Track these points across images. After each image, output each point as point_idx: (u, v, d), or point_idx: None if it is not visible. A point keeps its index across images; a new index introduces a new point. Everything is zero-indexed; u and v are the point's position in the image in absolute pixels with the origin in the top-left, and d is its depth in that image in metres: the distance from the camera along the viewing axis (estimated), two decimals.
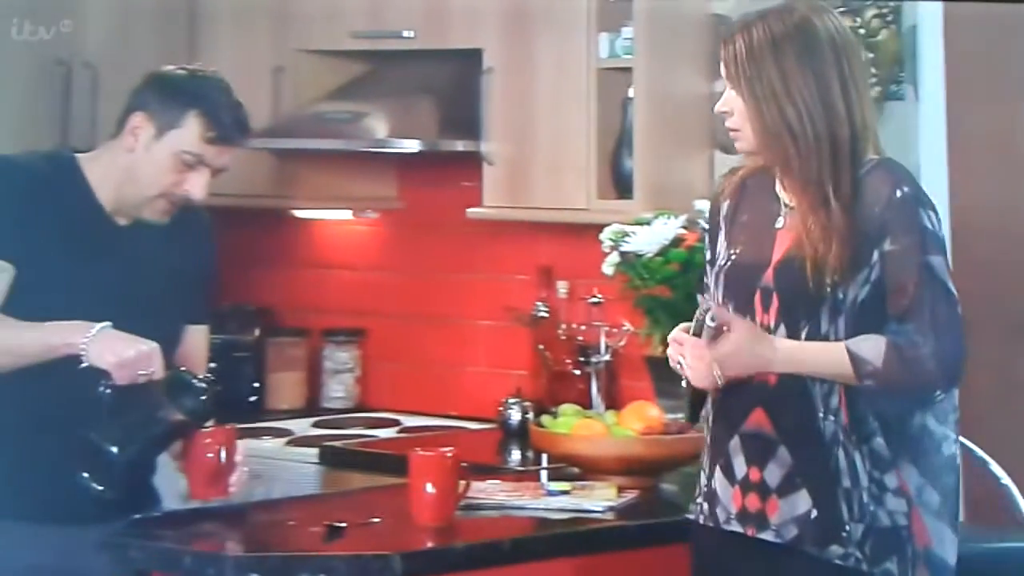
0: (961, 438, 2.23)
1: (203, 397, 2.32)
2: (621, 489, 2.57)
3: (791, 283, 2.16)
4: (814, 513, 2.14)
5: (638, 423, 2.72)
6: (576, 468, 2.72)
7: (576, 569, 2.40)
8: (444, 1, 3.40)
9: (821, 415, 2.15)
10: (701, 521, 2.23)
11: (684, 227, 2.98)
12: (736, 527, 2.19)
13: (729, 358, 2.14)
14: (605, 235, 2.98)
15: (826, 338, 2.14)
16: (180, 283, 2.46)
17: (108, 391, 2.24)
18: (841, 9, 3.09)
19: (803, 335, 2.15)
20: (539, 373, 3.42)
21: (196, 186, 2.38)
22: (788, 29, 2.17)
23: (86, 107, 3.51)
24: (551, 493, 2.53)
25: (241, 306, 3.83)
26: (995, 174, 3.27)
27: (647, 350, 3.02)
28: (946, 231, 3.16)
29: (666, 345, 2.23)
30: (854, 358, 2.11)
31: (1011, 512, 2.75)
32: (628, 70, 3.14)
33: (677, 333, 2.19)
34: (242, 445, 2.41)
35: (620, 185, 3.18)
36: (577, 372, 3.34)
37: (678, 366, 2.18)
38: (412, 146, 3.35)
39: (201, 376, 2.37)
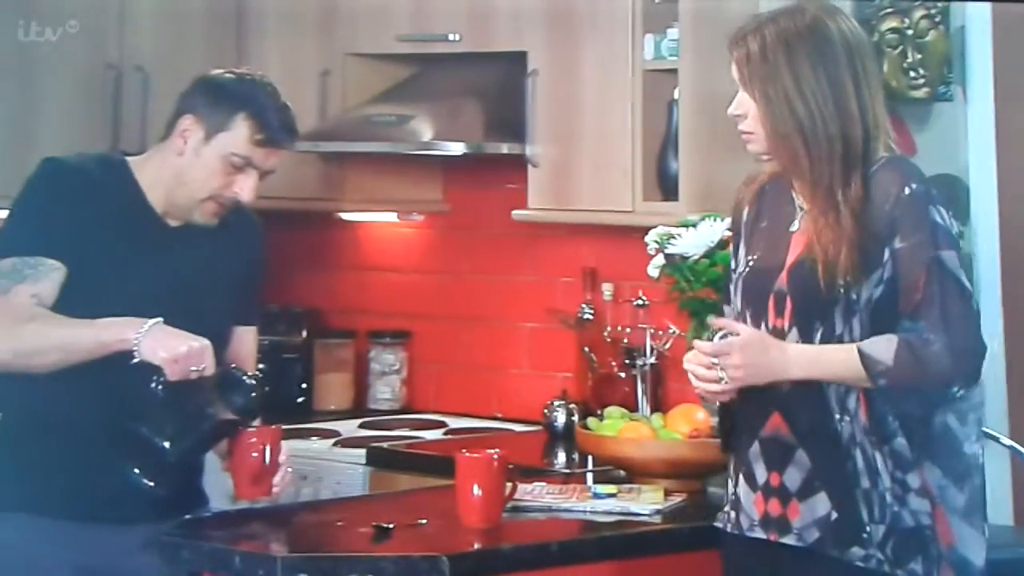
0: (1011, 441, 2.22)
1: (253, 395, 2.33)
2: (668, 492, 2.57)
3: (804, 286, 2.16)
4: (834, 515, 2.14)
5: (685, 426, 2.71)
6: (622, 471, 2.72)
7: (623, 572, 2.41)
8: (489, 4, 3.41)
9: (838, 417, 2.15)
10: (728, 529, 2.24)
11: (730, 229, 2.96)
12: (759, 533, 2.20)
13: (736, 363, 2.14)
14: (650, 237, 2.97)
15: (840, 339, 2.14)
16: (230, 284, 2.48)
17: (160, 387, 2.26)
18: (889, 10, 3.08)
19: (817, 337, 2.15)
20: (584, 375, 3.42)
21: (245, 188, 2.40)
22: (800, 30, 2.16)
23: (136, 111, 3.54)
24: (597, 496, 2.53)
25: (289, 308, 3.86)
26: None
27: None
28: (994, 231, 3.17)
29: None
30: (865, 358, 2.10)
31: None
32: (674, 71, 3.13)
33: (690, 353, 2.20)
34: (287, 445, 2.43)
35: (665, 187, 3.18)
36: (622, 375, 3.34)
37: (694, 379, 2.18)
38: (457, 149, 3.36)
39: (251, 374, 2.38)
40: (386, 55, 3.61)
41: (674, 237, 2.91)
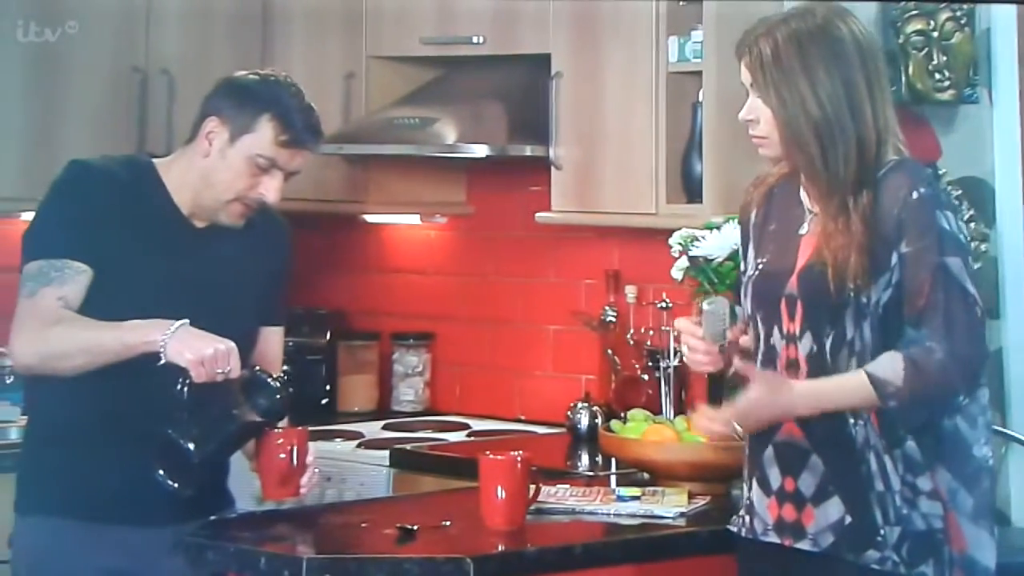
0: None
1: (278, 397, 2.34)
2: (692, 495, 2.56)
3: (814, 290, 2.15)
4: (848, 519, 2.14)
5: None
6: (646, 474, 2.72)
7: (647, 575, 2.40)
8: (513, 7, 3.41)
9: (852, 421, 2.15)
10: (743, 534, 2.25)
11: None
12: (773, 538, 2.19)
13: (750, 427, 2.16)
14: (674, 239, 2.97)
15: (851, 343, 2.13)
16: (256, 285, 2.49)
17: (185, 388, 2.27)
18: (914, 12, 3.07)
19: (829, 342, 2.14)
20: (607, 378, 3.42)
21: (270, 189, 2.41)
22: (812, 31, 2.15)
23: (162, 113, 3.56)
24: (621, 498, 2.53)
25: (313, 309, 3.87)
26: None
27: None
28: (1020, 233, 3.15)
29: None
30: (875, 381, 2.09)
31: None
32: (698, 74, 3.13)
33: (684, 324, 2.25)
34: (313, 446, 2.43)
35: (689, 189, 3.18)
36: (645, 377, 3.34)
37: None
38: (481, 151, 3.36)
39: (276, 376, 2.39)
40: (410, 58, 3.62)
41: (698, 239, 2.91)
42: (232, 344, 2.30)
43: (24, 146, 3.47)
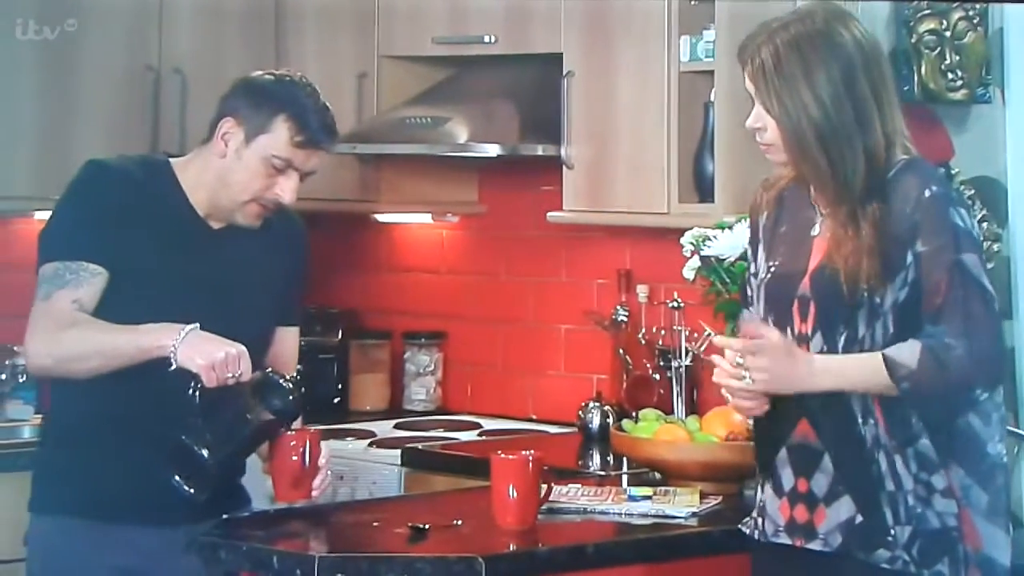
0: None
1: (291, 398, 2.34)
2: (703, 495, 2.56)
3: (827, 291, 2.15)
4: (859, 519, 2.14)
5: (722, 429, 2.71)
6: (658, 473, 2.72)
7: (659, 575, 2.40)
8: (525, 6, 3.41)
9: (860, 421, 2.15)
10: (756, 536, 2.25)
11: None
12: (784, 539, 2.19)
13: (762, 365, 2.11)
14: (686, 239, 2.97)
15: (863, 344, 2.14)
16: (273, 285, 2.49)
17: (197, 393, 2.27)
18: (927, 12, 3.06)
19: (841, 342, 2.14)
20: (619, 377, 3.42)
21: (286, 190, 2.41)
22: (813, 36, 2.14)
23: (175, 112, 3.57)
24: (633, 498, 2.53)
25: (325, 309, 3.88)
26: None
27: None
28: None
29: None
30: (890, 363, 2.10)
31: None
32: (710, 73, 3.12)
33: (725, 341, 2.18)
34: (327, 448, 2.44)
35: (701, 189, 3.17)
36: (657, 377, 3.34)
37: (717, 375, 2.17)
38: (493, 150, 3.37)
39: (289, 376, 2.39)
40: (422, 57, 3.62)
41: (710, 239, 2.91)
42: (242, 348, 2.30)
43: (35, 145, 3.48)
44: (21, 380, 3.57)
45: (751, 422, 2.30)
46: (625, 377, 3.40)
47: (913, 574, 2.13)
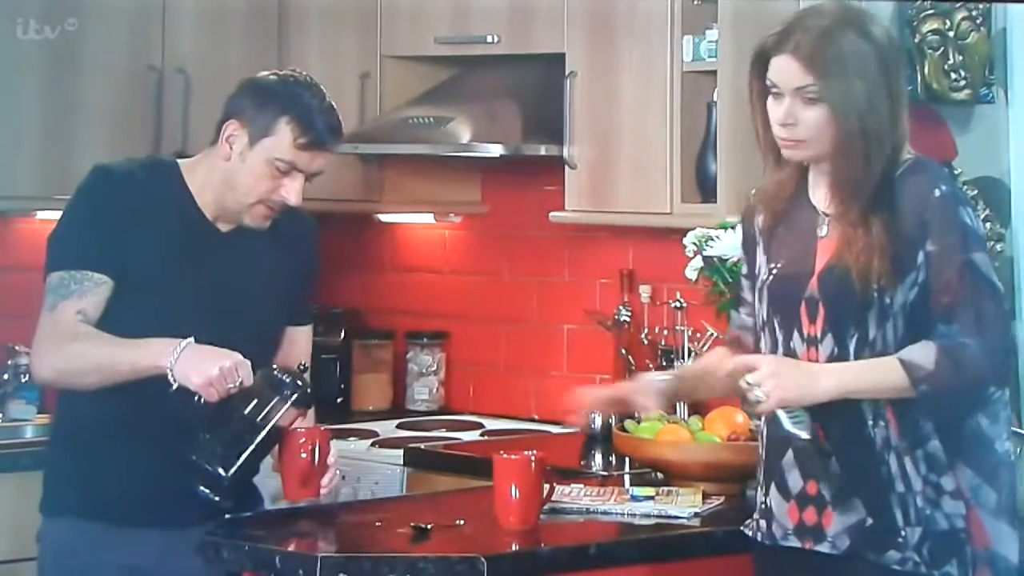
0: None
1: (295, 394, 2.34)
2: (706, 495, 2.56)
3: (837, 291, 2.14)
4: (869, 521, 2.14)
5: (724, 429, 2.71)
6: (660, 473, 2.72)
7: (662, 575, 2.40)
8: (528, 6, 3.41)
9: (871, 423, 2.14)
10: (759, 539, 2.24)
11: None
12: (794, 542, 2.19)
13: (766, 374, 2.10)
14: (688, 239, 2.97)
15: (873, 344, 2.13)
16: (282, 286, 2.49)
17: (203, 402, 2.27)
18: (930, 12, 3.06)
19: (852, 343, 2.14)
20: (621, 377, 3.41)
21: (291, 192, 2.40)
22: (856, 33, 2.13)
23: (178, 112, 3.57)
24: (635, 498, 2.53)
25: (327, 308, 3.87)
26: None
27: None
28: None
29: None
30: (908, 366, 2.09)
31: None
32: (712, 73, 3.12)
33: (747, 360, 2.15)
34: (335, 447, 2.44)
35: (704, 189, 3.17)
36: None
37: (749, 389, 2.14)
38: (496, 150, 3.37)
39: (292, 369, 2.38)
40: (425, 57, 3.62)
41: (712, 239, 2.91)
42: (238, 356, 2.28)
43: (37, 145, 3.48)
44: (23, 380, 3.57)
45: (760, 422, 2.28)
46: (628, 377, 3.39)
47: (923, 575, 2.12)
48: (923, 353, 2.10)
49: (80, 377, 2.34)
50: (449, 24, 3.53)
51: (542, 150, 3.36)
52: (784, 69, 2.15)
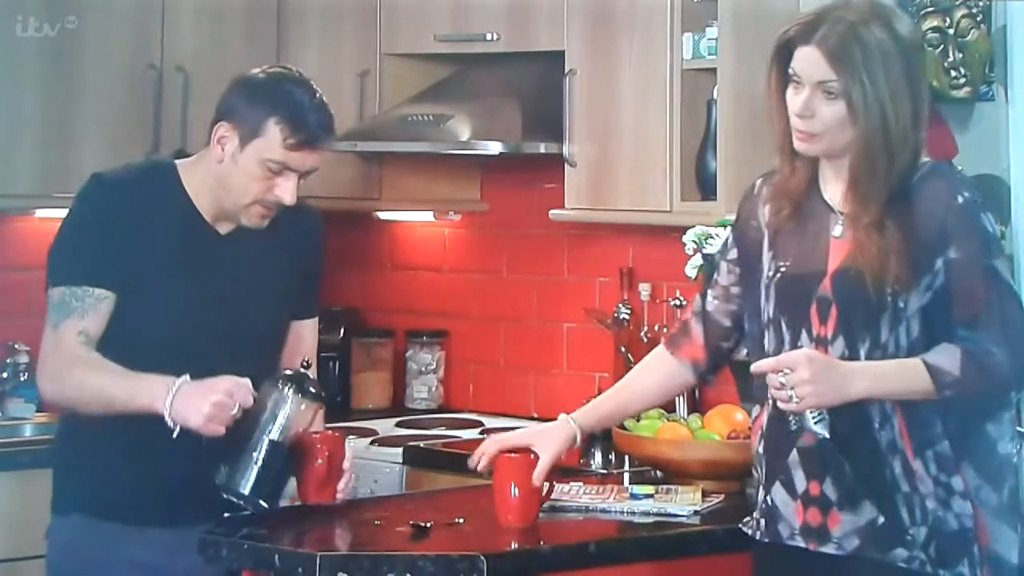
0: None
1: (301, 395, 2.33)
2: (705, 493, 2.56)
3: (850, 293, 2.13)
4: (877, 521, 2.13)
5: (723, 427, 2.71)
6: (660, 471, 2.72)
7: (661, 573, 2.40)
8: (528, 4, 3.41)
9: (876, 425, 2.13)
10: (758, 537, 2.23)
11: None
12: (799, 542, 2.18)
13: (804, 378, 2.07)
14: (688, 237, 2.97)
15: (885, 348, 2.12)
16: (284, 283, 2.48)
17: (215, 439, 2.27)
18: (930, 9, 3.05)
19: (864, 347, 2.12)
20: (621, 375, 3.39)
21: (286, 191, 2.38)
22: (885, 31, 2.11)
23: (177, 110, 3.57)
24: (635, 496, 2.53)
25: (327, 307, 3.85)
26: None
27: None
28: None
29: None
30: (933, 370, 2.09)
31: None
32: (712, 71, 3.12)
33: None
34: (351, 449, 2.44)
35: (704, 187, 3.17)
36: None
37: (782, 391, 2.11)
38: (495, 148, 3.36)
39: (293, 371, 2.37)
40: (424, 55, 3.62)
41: (712, 237, 2.91)
42: (227, 382, 2.26)
43: (36, 144, 3.48)
44: (23, 379, 3.57)
45: (764, 421, 2.26)
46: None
47: (930, 574, 2.12)
48: (948, 358, 2.09)
49: (81, 405, 2.36)
50: (449, 22, 3.53)
51: (542, 148, 3.36)
52: (808, 60, 2.12)
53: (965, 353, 2.09)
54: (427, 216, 3.86)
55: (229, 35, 3.66)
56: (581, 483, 2.63)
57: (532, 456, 2.38)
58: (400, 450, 3.37)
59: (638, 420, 2.80)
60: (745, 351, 2.34)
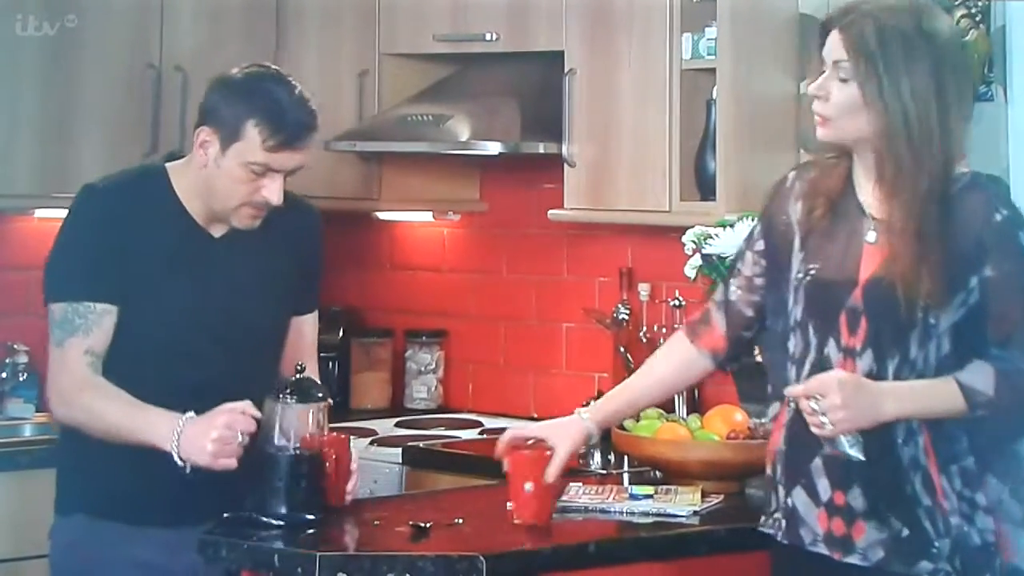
0: None
1: (306, 401, 2.33)
2: (705, 493, 2.56)
3: (882, 305, 2.08)
4: (901, 533, 2.10)
5: (723, 427, 2.71)
6: (659, 472, 2.72)
7: (661, 573, 2.40)
8: (527, 4, 3.41)
9: (900, 441, 2.10)
10: (779, 538, 2.20)
11: (761, 218, 2.94)
12: (822, 549, 2.15)
13: (837, 403, 2.04)
14: (687, 237, 2.97)
15: (914, 364, 2.08)
16: (285, 281, 2.48)
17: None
18: None
19: (893, 362, 2.08)
20: (620, 376, 3.40)
21: (272, 192, 2.36)
22: (915, 27, 2.06)
23: (176, 110, 3.56)
24: (634, 496, 2.53)
25: (326, 307, 3.85)
26: None
27: None
28: None
29: None
30: (967, 390, 2.06)
31: None
32: (712, 71, 3.12)
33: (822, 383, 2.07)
34: (356, 452, 2.43)
35: (703, 187, 3.17)
36: None
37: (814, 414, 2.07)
38: (494, 148, 3.36)
39: (290, 380, 2.36)
40: (423, 55, 3.62)
41: (711, 237, 2.91)
42: (228, 415, 2.25)
43: (35, 143, 3.48)
44: (22, 378, 3.57)
45: (786, 421, 2.21)
46: (626, 375, 3.39)
47: None
48: (982, 378, 2.06)
49: (88, 430, 2.36)
50: (448, 22, 3.53)
51: (541, 148, 3.36)
52: (831, 40, 2.10)
53: (999, 373, 2.06)
54: (426, 216, 3.86)
55: (228, 35, 3.65)
56: (581, 483, 2.63)
57: (548, 453, 2.36)
58: (399, 450, 3.36)
59: (638, 420, 2.80)
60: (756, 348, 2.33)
